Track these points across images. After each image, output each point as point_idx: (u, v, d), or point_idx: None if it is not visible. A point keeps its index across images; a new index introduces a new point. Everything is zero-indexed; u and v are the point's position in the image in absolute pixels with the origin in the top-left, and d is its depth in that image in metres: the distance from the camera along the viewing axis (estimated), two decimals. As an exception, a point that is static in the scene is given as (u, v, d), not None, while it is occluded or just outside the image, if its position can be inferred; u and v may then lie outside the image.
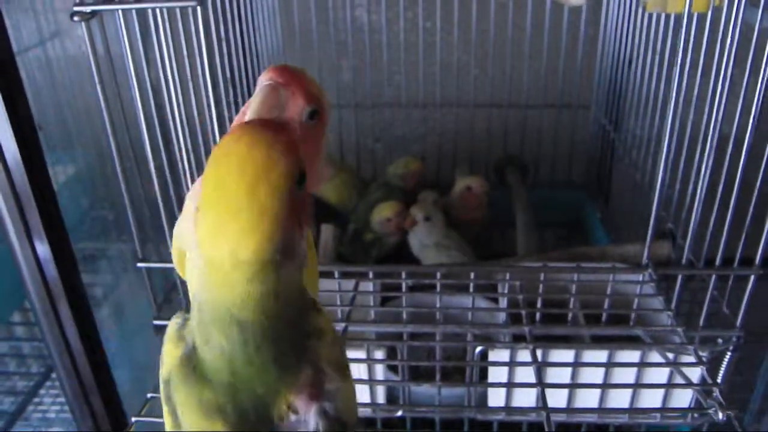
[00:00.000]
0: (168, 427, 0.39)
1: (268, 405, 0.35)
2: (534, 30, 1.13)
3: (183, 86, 0.70)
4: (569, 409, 0.66)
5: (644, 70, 0.94)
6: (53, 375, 1.06)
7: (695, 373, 0.62)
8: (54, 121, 1.11)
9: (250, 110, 0.42)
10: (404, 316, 0.69)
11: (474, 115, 1.22)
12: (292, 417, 0.35)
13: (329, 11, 1.18)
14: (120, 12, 0.61)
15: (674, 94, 0.63)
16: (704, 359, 0.58)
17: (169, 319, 0.73)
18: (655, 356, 0.63)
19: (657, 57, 0.88)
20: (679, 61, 0.63)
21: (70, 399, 0.74)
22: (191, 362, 0.37)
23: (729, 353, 0.65)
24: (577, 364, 0.64)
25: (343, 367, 0.38)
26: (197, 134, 0.80)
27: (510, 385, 0.66)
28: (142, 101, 0.67)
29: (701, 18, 0.67)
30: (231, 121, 0.94)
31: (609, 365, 0.63)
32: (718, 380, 0.66)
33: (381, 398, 0.71)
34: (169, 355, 0.39)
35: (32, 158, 0.69)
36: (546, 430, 0.49)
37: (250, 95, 1.06)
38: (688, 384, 0.59)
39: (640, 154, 0.96)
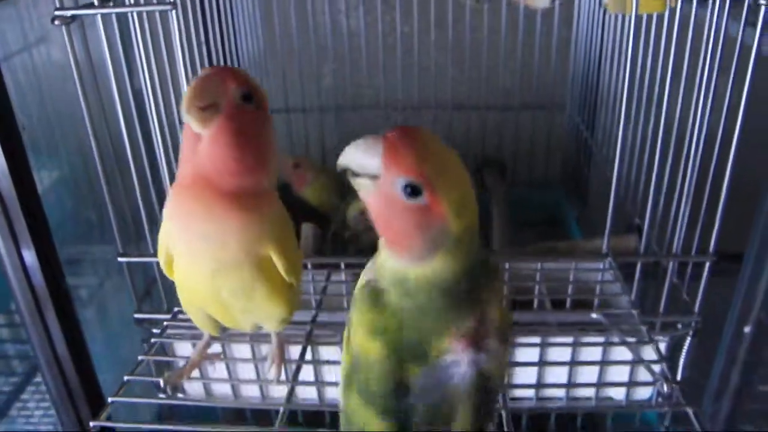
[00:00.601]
0: (344, 343, 0.44)
1: (429, 342, 0.39)
2: (509, 32, 1.16)
3: (163, 89, 0.72)
4: (533, 408, 0.68)
5: (614, 70, 0.97)
6: (37, 375, 1.08)
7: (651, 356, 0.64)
8: (39, 125, 1.13)
9: (184, 98, 0.45)
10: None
11: (452, 117, 1.25)
12: (447, 358, 0.39)
13: (309, 17, 1.20)
14: (99, 16, 0.63)
15: (625, 92, 0.66)
16: (658, 341, 0.60)
17: (149, 313, 0.76)
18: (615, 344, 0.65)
19: (624, 57, 0.90)
20: (631, 59, 0.65)
21: (55, 400, 0.75)
22: (373, 290, 0.41)
23: (689, 338, 0.67)
24: (542, 344, 0.66)
25: (504, 330, 0.41)
26: (177, 136, 0.82)
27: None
28: (122, 104, 0.69)
29: (661, 18, 0.70)
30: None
31: (541, 346, 0.65)
32: (680, 364, 0.69)
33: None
34: (359, 281, 0.44)
35: (18, 166, 0.71)
36: (504, 420, 0.51)
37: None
38: (638, 361, 0.61)
39: (611, 152, 0.99)
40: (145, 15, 0.68)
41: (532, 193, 1.27)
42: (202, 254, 0.49)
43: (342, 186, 1.22)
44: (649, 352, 0.61)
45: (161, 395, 0.75)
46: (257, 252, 0.49)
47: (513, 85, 1.20)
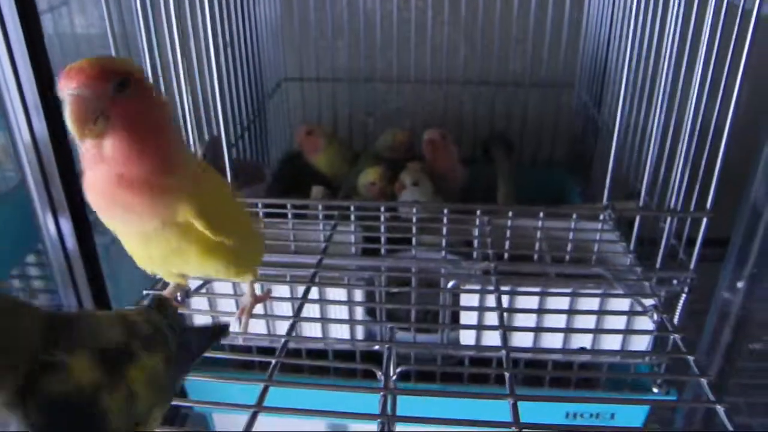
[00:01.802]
0: None
1: None
2: (521, 10, 1.18)
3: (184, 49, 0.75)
4: (531, 349, 0.71)
5: (622, 48, 1.00)
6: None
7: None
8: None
9: (71, 125, 0.43)
10: (382, 251, 0.73)
11: (462, 92, 1.27)
12: None
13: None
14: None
15: (628, 54, 0.68)
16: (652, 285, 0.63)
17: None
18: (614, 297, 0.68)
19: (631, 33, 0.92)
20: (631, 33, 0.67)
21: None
22: None
23: (684, 294, 0.70)
24: (541, 293, 0.68)
25: None
26: (198, 94, 0.85)
27: (468, 327, 0.71)
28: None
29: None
30: (229, 80, 1.00)
31: (544, 311, 0.68)
32: (675, 318, 0.71)
33: (360, 334, 0.76)
34: None
35: (57, 136, 0.74)
36: (504, 367, 0.53)
37: (247, 59, 1.12)
38: (629, 294, 0.63)
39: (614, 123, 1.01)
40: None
41: (538, 171, 1.30)
42: (124, 227, 0.51)
43: (352, 155, 1.25)
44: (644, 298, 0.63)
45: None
46: (174, 220, 0.50)
47: (523, 63, 1.23)
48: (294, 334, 0.61)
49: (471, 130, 1.31)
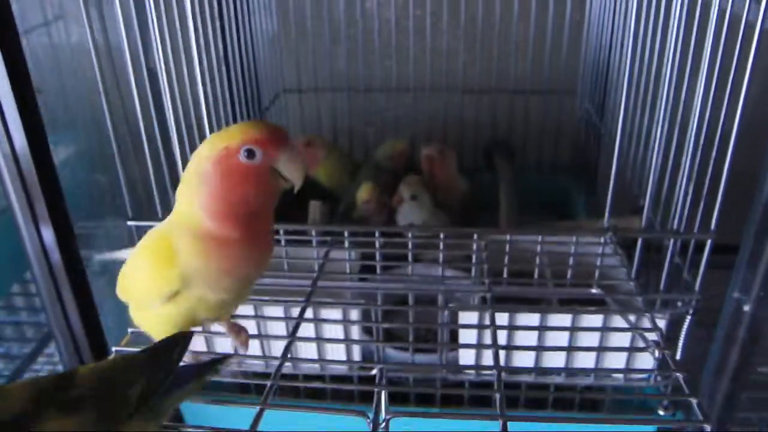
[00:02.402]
0: None
1: None
2: (521, 16, 1.16)
3: (177, 65, 0.74)
4: (524, 369, 0.69)
5: (624, 54, 0.97)
6: (50, 345, 1.10)
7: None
8: (56, 100, 1.15)
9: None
10: (378, 270, 0.72)
11: (463, 100, 1.25)
12: None
13: (323, -1, 1.21)
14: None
15: (627, 70, 0.66)
16: (655, 316, 0.61)
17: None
18: (614, 319, 0.66)
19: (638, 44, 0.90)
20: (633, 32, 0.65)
21: (67, 366, 0.77)
22: None
23: (688, 317, 0.68)
24: (539, 328, 0.67)
25: None
26: (189, 108, 0.84)
27: (462, 347, 0.69)
28: (137, 81, 0.70)
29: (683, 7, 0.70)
30: (224, 96, 0.98)
31: (542, 328, 0.66)
32: (680, 342, 0.69)
33: (357, 356, 0.75)
34: None
35: (37, 145, 0.73)
36: (495, 387, 0.52)
37: (243, 72, 1.11)
38: (630, 328, 0.61)
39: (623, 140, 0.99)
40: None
41: (541, 178, 1.28)
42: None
43: (353, 166, 1.24)
44: (646, 326, 0.61)
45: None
46: None
47: (524, 70, 1.21)
48: (289, 356, 0.59)
49: (472, 137, 1.29)
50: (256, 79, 1.23)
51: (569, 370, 0.69)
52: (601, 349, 0.67)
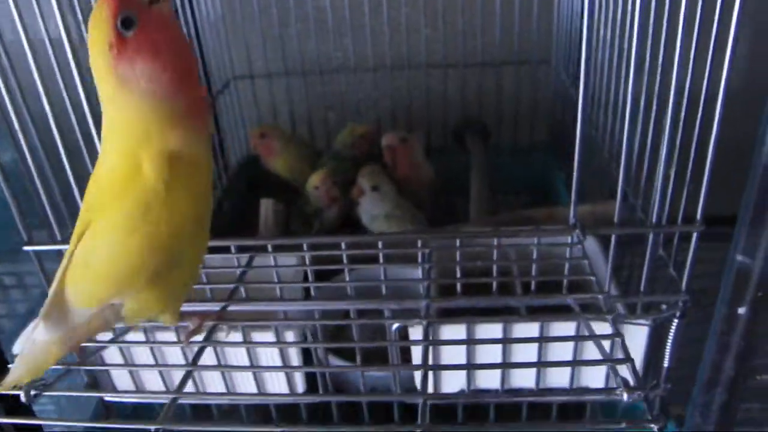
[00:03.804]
0: None
1: None
2: (485, -18, 1.05)
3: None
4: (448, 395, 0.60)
5: (596, 19, 0.87)
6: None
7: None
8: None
9: None
10: (312, 292, 0.62)
11: (428, 77, 1.15)
12: None
13: (268, -25, 1.10)
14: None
15: (586, 27, 0.56)
16: (624, 337, 0.51)
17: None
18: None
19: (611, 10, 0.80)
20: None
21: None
22: None
23: (675, 320, 0.58)
24: (503, 341, 0.57)
25: None
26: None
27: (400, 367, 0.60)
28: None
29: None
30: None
31: (469, 342, 0.57)
32: (666, 350, 0.59)
33: (300, 385, 0.65)
34: None
35: None
36: (419, 413, 0.43)
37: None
38: (600, 361, 0.52)
39: (596, 110, 0.89)
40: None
41: (518, 155, 1.18)
42: None
43: (314, 156, 1.14)
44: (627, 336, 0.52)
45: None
46: None
47: (493, 40, 1.10)
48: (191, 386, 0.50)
49: (441, 115, 1.18)
50: (204, 66, 1.13)
51: (508, 391, 0.59)
52: (546, 364, 0.57)
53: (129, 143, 0.45)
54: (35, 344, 0.48)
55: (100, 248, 0.47)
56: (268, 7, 1.13)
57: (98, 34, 0.42)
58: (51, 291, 0.49)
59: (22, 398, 0.49)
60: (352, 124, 1.10)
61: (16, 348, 0.60)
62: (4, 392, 0.52)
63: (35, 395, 0.49)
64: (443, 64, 1.13)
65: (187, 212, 0.47)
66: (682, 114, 0.57)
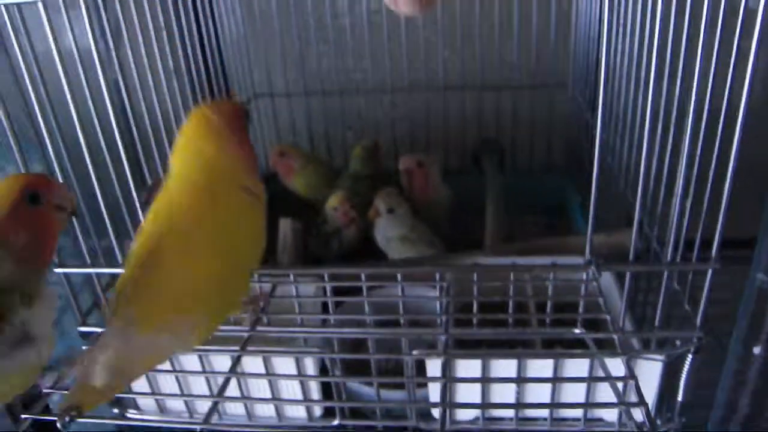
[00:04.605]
0: None
1: None
2: (503, 6, 1.06)
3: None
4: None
5: (614, 43, 0.88)
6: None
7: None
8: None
9: None
10: (332, 321, 0.63)
11: (446, 99, 1.16)
12: None
13: (289, -4, 1.12)
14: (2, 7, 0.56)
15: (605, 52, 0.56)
16: (637, 379, 0.52)
17: (95, 325, 0.69)
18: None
19: (624, 30, 0.81)
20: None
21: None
22: None
23: (690, 356, 0.59)
24: (517, 380, 0.58)
25: None
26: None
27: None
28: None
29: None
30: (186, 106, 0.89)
31: (485, 380, 0.58)
32: (681, 385, 0.60)
33: (318, 408, 0.66)
34: None
35: None
36: None
37: (209, 78, 1.03)
38: (613, 404, 0.53)
39: (612, 135, 0.90)
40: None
41: (534, 178, 1.18)
42: None
43: (333, 174, 1.15)
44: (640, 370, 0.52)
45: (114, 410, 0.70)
46: None
47: (510, 63, 1.11)
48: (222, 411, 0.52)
49: (458, 136, 1.19)
50: (226, 84, 1.15)
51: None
52: (559, 405, 0.58)
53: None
54: (94, 373, 0.46)
55: (184, 273, 0.49)
56: (289, 28, 1.15)
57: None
58: (111, 321, 0.48)
59: (58, 425, 0.50)
60: (360, 142, 1.11)
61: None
62: (31, 417, 0.53)
63: (70, 420, 0.51)
64: (461, 86, 1.15)
65: (259, 235, 0.53)
66: (699, 142, 0.57)
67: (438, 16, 1.08)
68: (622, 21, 0.82)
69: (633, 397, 0.52)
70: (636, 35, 0.74)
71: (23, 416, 0.55)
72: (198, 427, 0.49)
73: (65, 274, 0.67)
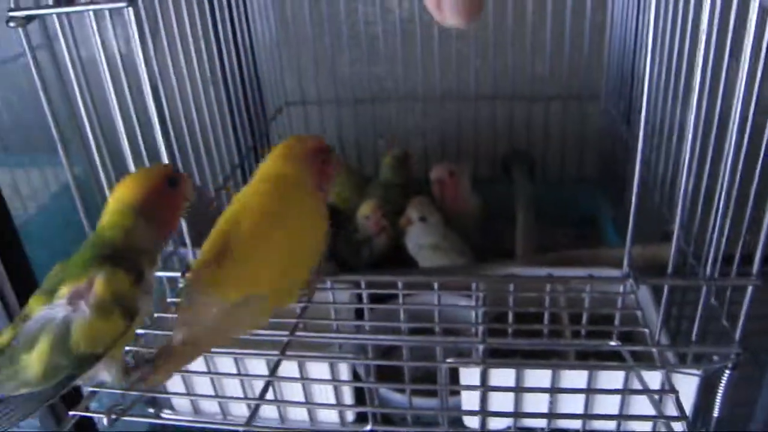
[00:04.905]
0: None
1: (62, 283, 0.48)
2: (536, 17, 1.06)
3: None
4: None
5: (653, 57, 0.87)
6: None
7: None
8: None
9: None
10: (366, 327, 0.64)
11: (477, 108, 1.16)
12: (59, 302, 0.47)
13: (323, 4, 1.13)
14: (55, 16, 0.57)
15: (648, 66, 0.56)
16: (677, 393, 0.51)
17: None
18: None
19: (659, 41, 0.80)
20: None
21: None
22: None
23: (727, 371, 0.58)
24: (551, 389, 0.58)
25: (104, 307, 0.47)
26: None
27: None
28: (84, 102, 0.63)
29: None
30: (221, 113, 0.91)
31: (520, 389, 0.59)
32: (717, 402, 0.59)
33: (350, 415, 0.67)
34: None
35: None
36: None
37: (243, 86, 1.04)
38: (652, 417, 0.52)
39: (647, 149, 0.89)
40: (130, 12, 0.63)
41: (565, 189, 1.18)
42: None
43: (363, 182, 1.16)
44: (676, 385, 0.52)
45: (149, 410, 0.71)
46: None
47: (542, 74, 1.11)
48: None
49: (489, 146, 1.19)
50: (259, 91, 1.16)
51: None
52: (594, 417, 0.58)
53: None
54: (170, 347, 0.51)
55: (260, 256, 0.55)
56: (322, 36, 1.16)
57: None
58: (186, 293, 0.53)
59: (104, 422, 0.51)
60: (389, 151, 1.12)
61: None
62: (78, 414, 0.54)
63: (115, 419, 0.52)
64: (492, 95, 1.15)
65: (320, 239, 0.60)
66: (741, 157, 0.56)
67: (471, 25, 1.09)
68: (660, 33, 0.81)
69: (670, 411, 0.51)
70: (675, 48, 0.74)
71: (69, 413, 0.56)
72: (240, 429, 0.50)
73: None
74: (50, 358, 0.46)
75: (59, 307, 0.47)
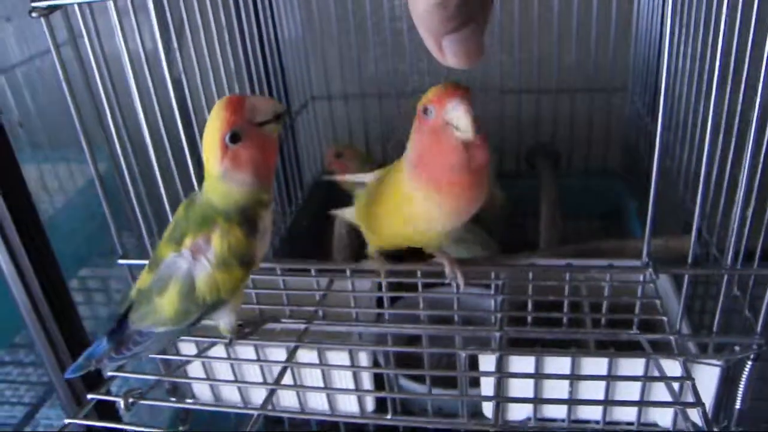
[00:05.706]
0: None
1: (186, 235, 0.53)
2: (562, 9, 1.06)
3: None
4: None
5: (676, 48, 0.86)
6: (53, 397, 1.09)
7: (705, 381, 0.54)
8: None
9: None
10: (386, 316, 0.64)
11: (502, 102, 1.16)
12: (184, 251, 0.52)
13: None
14: (76, 6, 0.58)
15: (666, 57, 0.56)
16: (690, 372, 0.51)
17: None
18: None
19: (686, 35, 0.80)
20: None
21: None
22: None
23: (749, 362, 0.57)
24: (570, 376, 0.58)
25: (223, 261, 0.51)
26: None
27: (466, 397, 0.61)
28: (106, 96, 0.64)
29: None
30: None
31: (538, 376, 0.59)
32: (739, 392, 0.59)
33: (370, 403, 0.68)
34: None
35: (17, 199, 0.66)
36: None
37: (268, 80, 1.05)
38: (669, 403, 0.52)
39: (671, 141, 0.89)
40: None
41: (590, 181, 1.17)
42: None
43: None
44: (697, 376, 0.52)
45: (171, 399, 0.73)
46: None
47: (568, 67, 1.10)
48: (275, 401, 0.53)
49: (514, 139, 1.19)
50: (285, 86, 1.17)
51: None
52: (614, 403, 0.58)
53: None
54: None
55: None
56: (347, 30, 1.16)
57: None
58: None
59: (121, 405, 0.53)
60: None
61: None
62: (97, 397, 0.56)
63: (132, 403, 0.53)
64: (518, 89, 1.14)
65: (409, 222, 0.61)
66: (764, 148, 0.56)
67: (496, 17, 1.08)
68: (685, 25, 0.81)
69: (689, 399, 0.51)
70: (699, 40, 0.73)
71: (88, 396, 0.58)
72: (256, 412, 0.51)
73: (128, 266, 0.70)
74: (179, 305, 0.52)
75: (184, 258, 0.52)
